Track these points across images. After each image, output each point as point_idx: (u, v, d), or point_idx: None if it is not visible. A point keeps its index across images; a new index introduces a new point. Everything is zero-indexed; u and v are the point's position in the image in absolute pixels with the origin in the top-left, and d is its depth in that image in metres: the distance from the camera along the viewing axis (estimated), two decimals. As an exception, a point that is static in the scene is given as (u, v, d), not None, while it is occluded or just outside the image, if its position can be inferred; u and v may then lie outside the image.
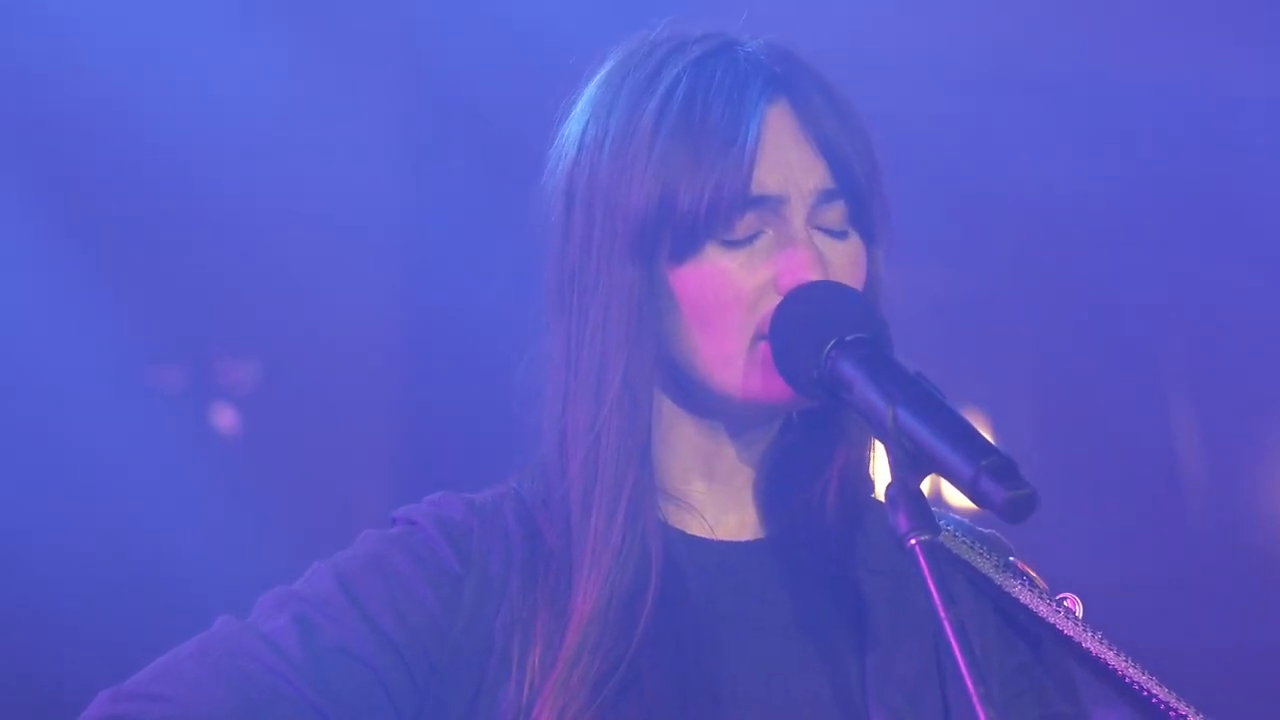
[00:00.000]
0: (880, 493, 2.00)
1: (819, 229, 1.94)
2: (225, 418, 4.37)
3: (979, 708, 1.68)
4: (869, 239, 1.98)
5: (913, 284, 4.81)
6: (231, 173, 4.21)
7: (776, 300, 1.91)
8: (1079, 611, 1.98)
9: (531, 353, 2.03)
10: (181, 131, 4.17)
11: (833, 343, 1.87)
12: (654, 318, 1.93)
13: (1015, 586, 2.00)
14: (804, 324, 1.90)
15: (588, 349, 1.94)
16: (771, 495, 2.03)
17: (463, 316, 4.02)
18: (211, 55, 4.18)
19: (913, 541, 1.74)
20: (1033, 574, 2.02)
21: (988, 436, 1.76)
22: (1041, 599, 2.00)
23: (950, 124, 4.85)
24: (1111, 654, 1.95)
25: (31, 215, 4.14)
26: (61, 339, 4.14)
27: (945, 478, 1.75)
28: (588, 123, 1.98)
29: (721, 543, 2.01)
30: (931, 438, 1.75)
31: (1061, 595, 2.00)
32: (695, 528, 2.01)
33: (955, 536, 2.06)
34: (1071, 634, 1.96)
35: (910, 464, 1.77)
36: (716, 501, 2.02)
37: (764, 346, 1.92)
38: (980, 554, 2.04)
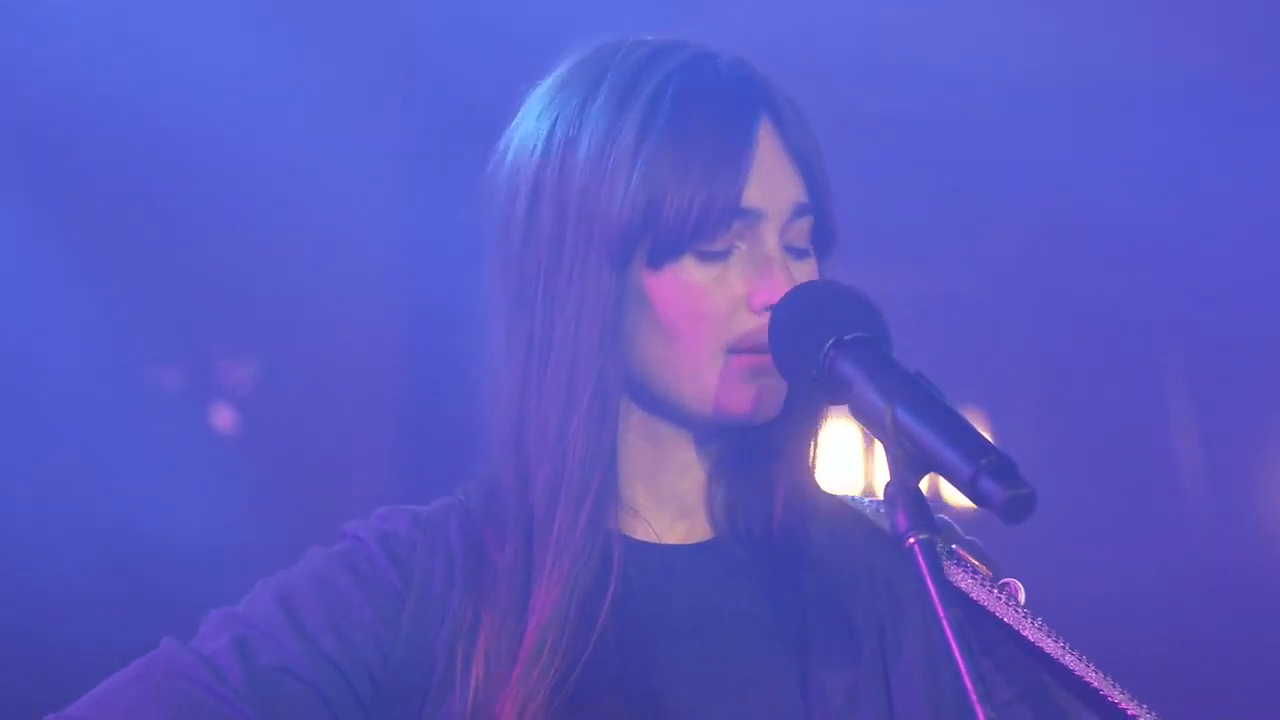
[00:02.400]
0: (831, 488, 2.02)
1: (787, 248, 1.96)
2: (224, 417, 4.37)
3: (978, 707, 1.68)
4: (821, 255, 2.01)
5: (913, 284, 4.82)
6: (231, 172, 4.21)
7: (748, 317, 1.93)
8: (1021, 597, 1.98)
9: (482, 349, 2.02)
10: (181, 130, 4.18)
11: (832, 342, 1.87)
12: (622, 326, 1.93)
13: (957, 574, 2.00)
14: (803, 323, 1.90)
15: (556, 351, 1.94)
16: (717, 501, 2.04)
17: (462, 316, 4.02)
18: (211, 55, 4.18)
19: (911, 540, 1.74)
20: (974, 561, 2.02)
21: (987, 436, 1.76)
22: (983, 586, 2.00)
23: (950, 124, 4.86)
24: (1050, 641, 1.95)
25: (30, 215, 4.13)
26: (61, 338, 4.14)
27: (944, 477, 1.75)
28: (555, 121, 1.97)
29: (667, 546, 2.02)
30: (930, 437, 1.75)
31: (1004, 581, 2.00)
32: (641, 532, 2.01)
33: None
34: (1011, 621, 1.96)
35: (909, 463, 1.76)
36: (663, 506, 2.02)
37: (732, 361, 1.93)
38: None
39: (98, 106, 4.14)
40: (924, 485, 1.79)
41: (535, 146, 1.98)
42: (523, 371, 1.96)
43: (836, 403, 1.90)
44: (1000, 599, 1.98)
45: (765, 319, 1.92)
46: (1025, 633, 1.95)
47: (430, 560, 1.98)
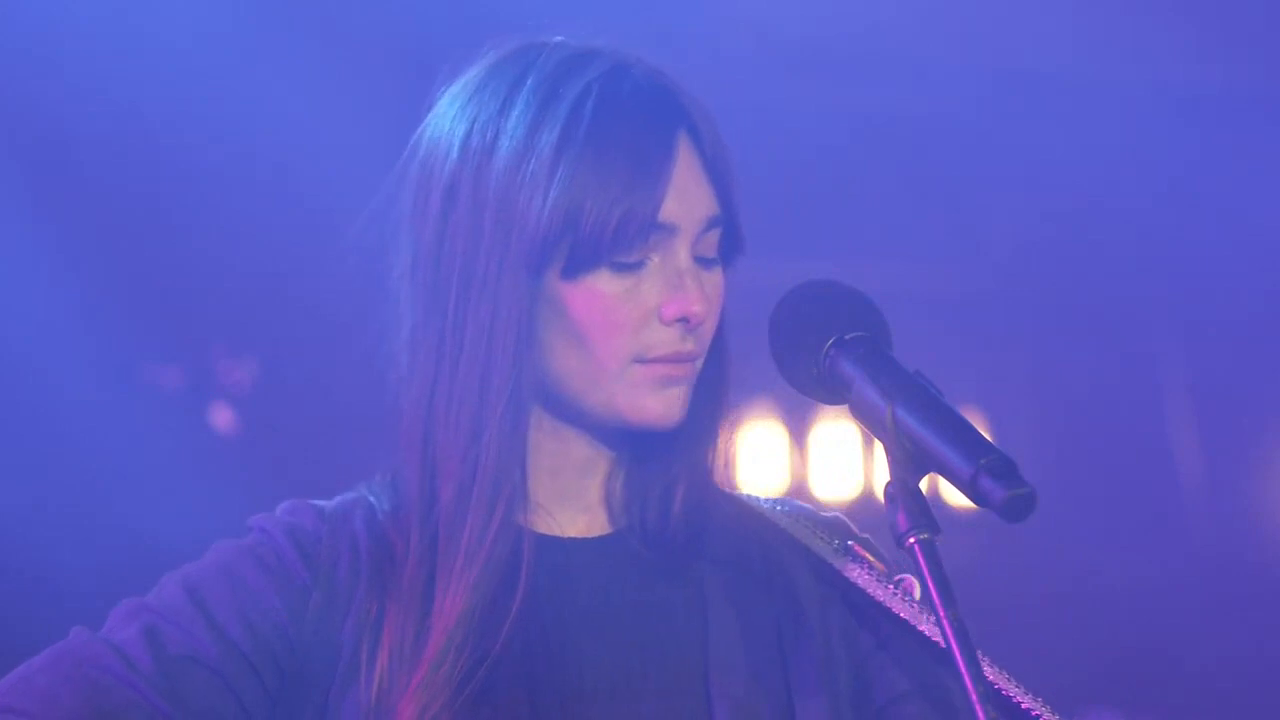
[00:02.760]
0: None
1: (698, 258, 1.98)
2: (223, 417, 4.37)
3: (978, 707, 1.69)
4: (726, 264, 2.02)
5: (913, 284, 4.83)
6: (230, 171, 4.21)
7: (659, 329, 1.94)
8: (917, 593, 1.99)
9: (387, 343, 2.03)
10: (181, 130, 4.18)
11: (832, 341, 1.88)
12: (538, 332, 1.95)
13: (854, 571, 2.02)
14: (804, 322, 1.91)
15: (469, 357, 1.95)
16: (619, 495, 2.05)
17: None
18: (211, 55, 4.18)
19: (911, 540, 1.74)
20: (870, 557, 2.03)
21: (986, 436, 1.76)
22: (879, 582, 2.01)
23: (951, 124, 4.86)
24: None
25: (30, 214, 4.14)
26: (61, 338, 4.14)
27: (944, 476, 1.75)
28: (473, 125, 1.98)
29: (570, 540, 2.03)
30: (930, 436, 1.75)
31: (899, 577, 2.01)
32: (544, 526, 2.03)
33: (797, 522, 2.09)
34: (907, 616, 1.97)
35: (909, 462, 1.77)
36: (566, 501, 2.04)
37: (640, 370, 1.94)
38: (820, 538, 2.06)
39: (96, 106, 4.14)
40: (924, 485, 1.79)
41: (452, 147, 1.99)
42: (433, 373, 1.98)
43: (837, 402, 1.90)
44: (896, 595, 2.00)
45: (675, 330, 1.94)
46: (921, 628, 1.96)
47: (336, 553, 2.00)
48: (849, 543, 2.06)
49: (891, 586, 2.01)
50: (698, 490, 2.04)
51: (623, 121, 1.94)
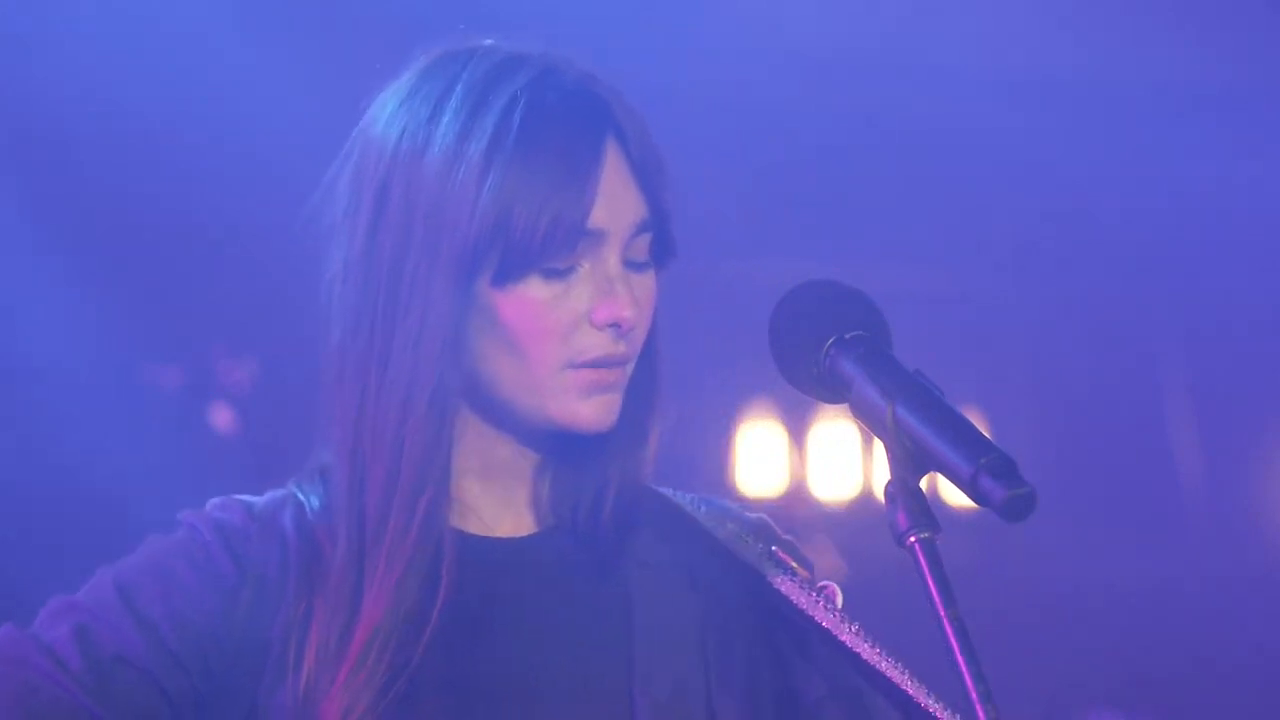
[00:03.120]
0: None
1: (628, 263, 1.98)
2: (222, 416, 4.37)
3: (977, 707, 1.68)
4: (659, 265, 2.02)
5: (913, 284, 4.83)
6: (229, 171, 4.20)
7: (590, 333, 1.95)
8: (839, 601, 2.00)
9: (319, 343, 2.02)
10: (179, 129, 4.17)
11: (832, 340, 1.87)
12: (466, 336, 1.95)
13: (776, 577, 2.02)
14: (803, 322, 1.91)
15: (395, 359, 1.95)
16: (547, 494, 2.06)
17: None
18: (210, 54, 4.17)
19: (911, 539, 1.74)
20: (793, 564, 2.03)
21: (987, 435, 1.76)
22: (801, 589, 2.02)
23: (951, 124, 4.86)
24: (866, 646, 1.97)
25: (29, 214, 4.13)
26: (60, 338, 4.13)
27: (944, 475, 1.75)
28: (403, 131, 1.99)
29: (497, 539, 2.04)
30: (930, 435, 1.75)
31: (822, 584, 2.02)
32: (473, 526, 2.03)
33: (722, 523, 2.09)
34: (829, 625, 1.98)
35: (909, 462, 1.77)
36: (493, 501, 2.04)
37: (572, 375, 1.95)
38: (745, 540, 2.07)
39: (95, 105, 4.14)
40: (924, 484, 1.78)
41: (382, 153, 1.99)
42: (361, 375, 1.97)
43: (836, 402, 1.90)
44: (819, 603, 2.00)
45: (606, 334, 1.95)
46: (842, 637, 1.97)
47: (266, 549, 1.99)
48: (772, 548, 2.06)
49: (814, 594, 2.01)
50: (628, 492, 2.04)
51: (550, 128, 1.94)
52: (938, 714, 1.91)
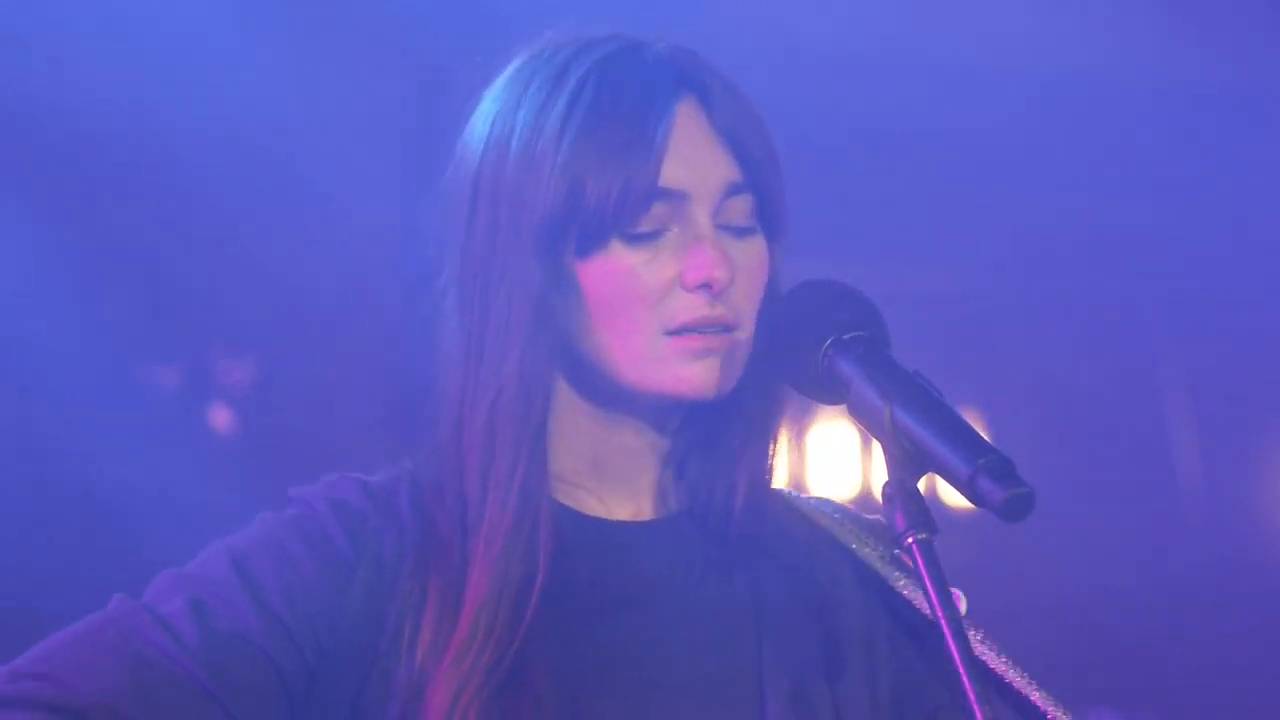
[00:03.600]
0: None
1: (724, 227, 1.95)
2: (221, 417, 4.37)
3: (976, 709, 1.68)
4: (771, 235, 1.99)
5: (912, 284, 4.82)
6: (228, 171, 4.20)
7: (683, 296, 1.92)
8: (963, 607, 1.98)
9: (434, 349, 2.04)
10: (177, 128, 4.17)
11: (830, 341, 1.87)
12: (557, 312, 1.94)
13: (900, 581, 2.01)
14: (802, 322, 1.90)
15: (490, 341, 1.95)
16: (671, 482, 2.04)
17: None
18: (208, 54, 4.17)
19: (910, 540, 1.74)
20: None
21: (985, 436, 1.76)
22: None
23: (951, 124, 4.86)
24: (992, 654, 1.96)
25: (28, 214, 4.13)
26: (57, 338, 4.13)
27: (942, 477, 1.75)
28: (494, 121, 1.99)
29: (615, 523, 2.02)
30: (929, 436, 1.75)
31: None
32: (590, 508, 2.02)
33: (843, 525, 2.07)
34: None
35: (908, 463, 1.77)
36: (611, 487, 2.02)
37: (671, 342, 1.92)
38: (867, 545, 2.05)
39: (92, 104, 4.13)
40: (922, 485, 1.78)
41: (479, 146, 2.00)
42: (463, 359, 1.98)
43: (835, 402, 1.89)
44: None
45: (700, 296, 1.92)
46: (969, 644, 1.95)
47: (382, 529, 1.98)
48: (894, 551, 2.03)
49: None
50: (757, 485, 2.02)
51: (621, 95, 1.94)
52: (1035, 699, 1.90)
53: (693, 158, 1.94)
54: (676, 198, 1.93)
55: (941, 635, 1.72)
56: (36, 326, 4.13)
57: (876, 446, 1.81)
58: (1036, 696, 1.93)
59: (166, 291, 4.31)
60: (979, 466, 1.70)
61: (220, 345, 4.42)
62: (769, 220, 1.99)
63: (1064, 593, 5.01)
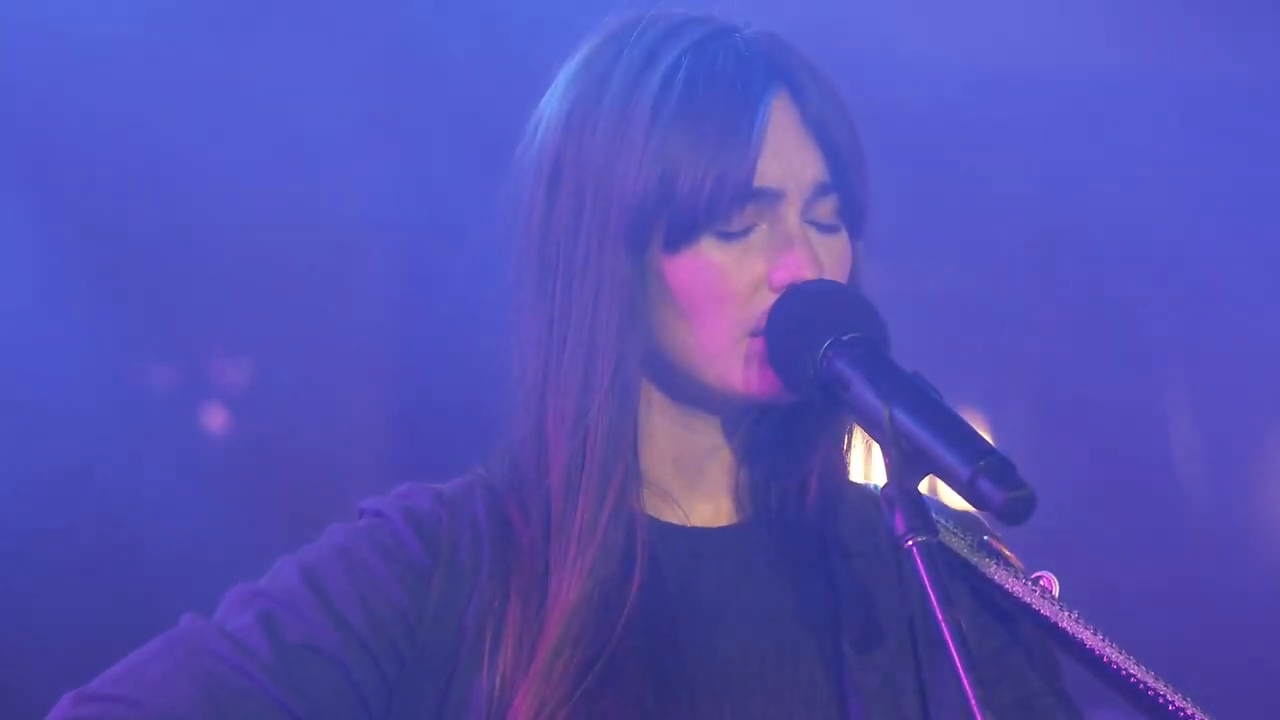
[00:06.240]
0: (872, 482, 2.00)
1: (811, 223, 1.93)
2: (217, 418, 4.36)
3: (976, 709, 1.68)
4: (854, 233, 1.97)
5: (912, 284, 4.82)
6: (226, 170, 4.20)
7: (770, 297, 1.90)
8: (1055, 590, 1.97)
9: (504, 337, 1.99)
10: (175, 128, 4.16)
11: (829, 342, 1.86)
12: (645, 308, 1.91)
13: (991, 567, 1.98)
14: (801, 323, 1.89)
15: (574, 336, 1.91)
16: (746, 483, 2.01)
17: (459, 317, 4.02)
18: (207, 52, 4.17)
19: (909, 543, 1.73)
20: (1008, 553, 2.00)
21: (986, 437, 1.75)
22: (1017, 579, 1.98)
23: (951, 123, 4.85)
24: (1089, 633, 1.95)
25: (28, 214, 4.13)
26: (55, 338, 4.13)
27: (942, 479, 1.74)
28: (574, 103, 1.94)
29: (695, 529, 1.99)
30: (928, 438, 1.74)
31: (1037, 575, 1.99)
32: (669, 514, 1.99)
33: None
34: (1049, 614, 1.94)
35: (907, 464, 1.76)
36: (691, 489, 1.99)
37: (755, 342, 1.90)
38: (954, 534, 2.03)
39: (89, 104, 4.13)
40: (922, 487, 1.78)
41: (556, 127, 1.95)
42: (544, 357, 1.93)
43: (834, 403, 1.88)
44: (1035, 591, 1.96)
45: None
46: (1062, 624, 1.93)
47: (456, 534, 1.94)
48: (984, 538, 2.01)
49: (1031, 583, 1.97)
50: (830, 477, 1.99)
51: (716, 85, 1.90)
52: (1169, 698, 1.89)
53: (786, 155, 1.91)
54: (769, 197, 1.90)
55: (944, 638, 1.71)
56: (36, 326, 4.12)
57: (876, 448, 1.81)
58: (1137, 672, 1.91)
59: (162, 293, 4.30)
60: (979, 468, 1.70)
61: (216, 346, 4.41)
62: (852, 218, 1.96)
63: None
